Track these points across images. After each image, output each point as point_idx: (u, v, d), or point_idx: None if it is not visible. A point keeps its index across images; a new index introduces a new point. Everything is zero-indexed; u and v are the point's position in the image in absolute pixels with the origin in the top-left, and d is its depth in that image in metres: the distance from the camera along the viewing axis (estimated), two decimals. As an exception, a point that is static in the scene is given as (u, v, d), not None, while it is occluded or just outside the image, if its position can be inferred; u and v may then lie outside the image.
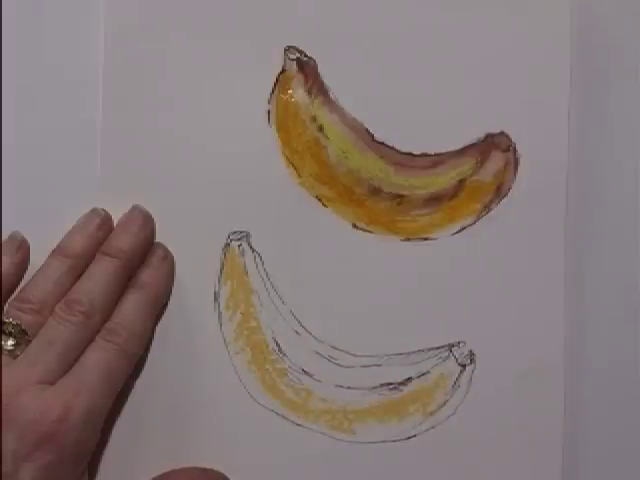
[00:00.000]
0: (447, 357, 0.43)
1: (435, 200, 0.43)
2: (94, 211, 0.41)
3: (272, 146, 0.43)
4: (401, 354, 0.43)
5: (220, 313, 0.42)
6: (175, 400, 0.42)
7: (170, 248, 0.42)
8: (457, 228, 0.43)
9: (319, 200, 0.43)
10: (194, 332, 0.42)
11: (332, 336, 0.43)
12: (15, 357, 0.38)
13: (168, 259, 0.42)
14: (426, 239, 0.43)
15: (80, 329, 0.38)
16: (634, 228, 0.44)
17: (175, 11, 0.42)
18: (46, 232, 0.41)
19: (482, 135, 0.43)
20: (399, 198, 0.43)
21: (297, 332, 0.43)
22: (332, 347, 0.43)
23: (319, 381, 0.43)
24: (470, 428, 0.43)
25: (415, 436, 0.43)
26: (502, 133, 0.43)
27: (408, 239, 0.43)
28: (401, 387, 0.43)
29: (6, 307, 0.39)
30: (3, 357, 0.38)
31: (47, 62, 0.43)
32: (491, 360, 0.43)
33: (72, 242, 0.40)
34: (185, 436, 0.42)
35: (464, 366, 0.43)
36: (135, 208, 0.42)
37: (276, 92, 0.43)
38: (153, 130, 0.42)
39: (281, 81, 0.43)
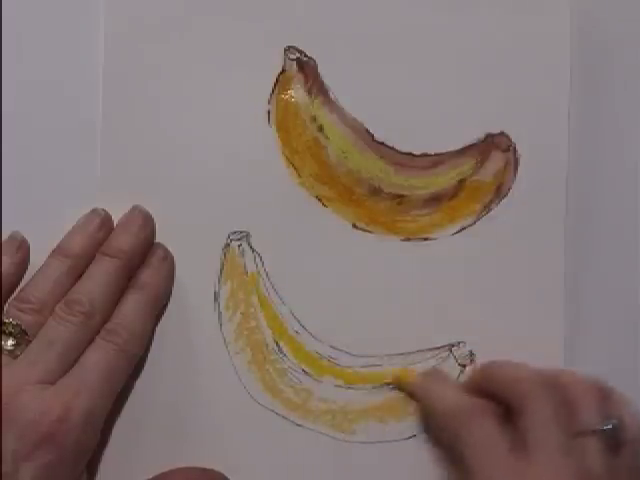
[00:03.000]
0: (447, 357, 0.43)
1: (435, 200, 0.43)
2: (94, 211, 0.41)
3: (272, 146, 0.43)
4: (401, 354, 0.43)
5: (220, 313, 0.42)
6: (175, 400, 0.42)
7: (170, 248, 0.42)
8: (457, 228, 0.43)
9: (319, 200, 0.43)
10: (194, 332, 0.42)
11: (332, 336, 0.43)
12: (15, 357, 0.38)
13: (168, 259, 0.42)
14: (426, 239, 0.43)
15: (80, 329, 0.38)
16: (634, 228, 0.44)
17: (175, 11, 0.42)
18: (46, 232, 0.41)
19: (482, 135, 0.43)
20: (399, 198, 0.43)
21: (297, 332, 0.43)
22: (332, 347, 0.43)
23: (319, 381, 0.43)
24: (470, 428, 0.43)
25: (415, 436, 0.43)
26: (502, 133, 0.43)
27: (408, 239, 0.43)
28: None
29: (6, 307, 0.39)
30: (3, 357, 0.38)
31: (47, 62, 0.43)
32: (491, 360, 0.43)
33: (72, 242, 0.40)
34: (185, 436, 0.42)
35: (464, 366, 0.43)
36: (135, 208, 0.42)
37: (276, 92, 0.43)
38: (153, 130, 0.42)
39: (281, 81, 0.43)
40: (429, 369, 0.42)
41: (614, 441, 0.37)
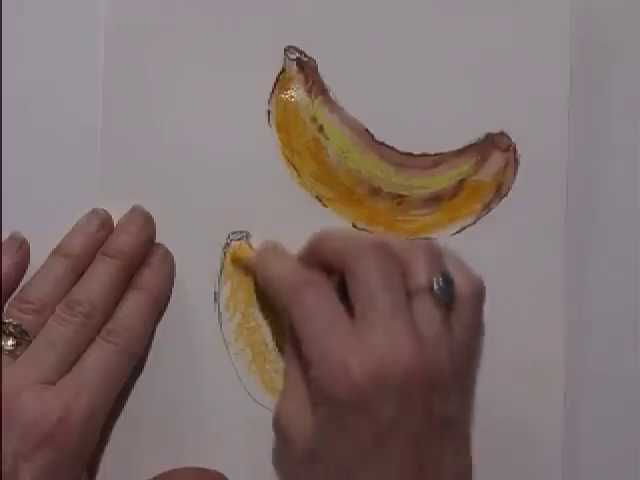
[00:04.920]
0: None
1: (435, 200, 0.43)
2: (94, 211, 0.41)
3: (272, 146, 0.43)
4: (401, 354, 0.43)
5: (220, 313, 0.42)
6: (175, 400, 0.42)
7: (170, 248, 0.42)
8: (457, 228, 0.43)
9: (319, 200, 0.43)
10: (194, 332, 0.42)
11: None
12: (15, 357, 0.38)
13: (168, 260, 0.42)
14: (426, 239, 0.43)
15: (80, 329, 0.38)
16: (634, 228, 0.44)
17: (175, 11, 0.42)
18: (46, 232, 0.41)
19: (482, 135, 0.43)
20: (399, 198, 0.43)
21: (297, 332, 0.43)
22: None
23: (319, 381, 0.43)
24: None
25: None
26: (502, 133, 0.43)
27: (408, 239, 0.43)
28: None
29: (6, 307, 0.39)
30: (3, 357, 0.38)
31: (47, 62, 0.42)
32: (491, 360, 0.43)
33: (72, 242, 0.40)
34: (185, 436, 0.42)
35: (464, 366, 0.43)
36: (135, 209, 0.42)
37: (276, 92, 0.43)
38: (153, 130, 0.42)
39: (281, 81, 0.43)
40: (266, 243, 0.42)
41: (445, 299, 0.36)
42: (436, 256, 0.37)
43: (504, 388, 0.43)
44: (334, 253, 0.38)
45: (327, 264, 0.38)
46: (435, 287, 0.36)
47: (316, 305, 0.36)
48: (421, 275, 0.36)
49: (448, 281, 0.37)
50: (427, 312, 0.36)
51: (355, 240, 0.38)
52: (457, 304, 0.37)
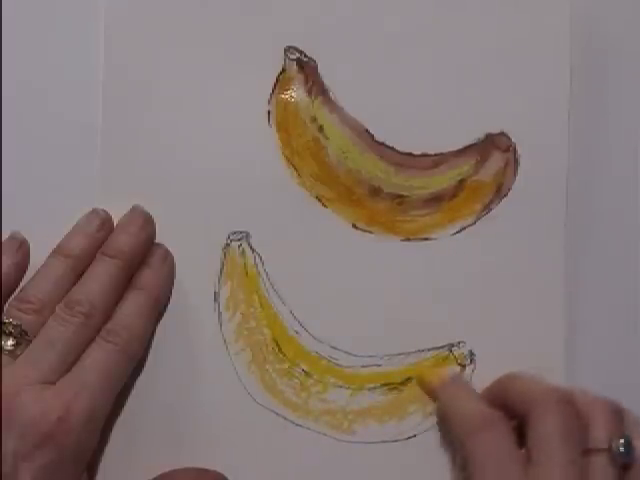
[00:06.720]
0: (447, 357, 0.43)
1: (435, 200, 0.43)
2: (94, 211, 0.41)
3: (272, 146, 0.43)
4: (401, 354, 0.43)
5: (220, 313, 0.42)
6: (175, 400, 0.42)
7: (170, 248, 0.42)
8: (457, 228, 0.43)
9: (319, 200, 0.43)
10: (194, 332, 0.42)
11: (332, 336, 0.43)
12: (15, 357, 0.38)
13: (168, 260, 0.42)
14: (426, 239, 0.43)
15: (80, 329, 0.38)
16: (634, 228, 0.44)
17: (175, 11, 0.42)
18: (46, 232, 0.41)
19: (482, 135, 0.43)
20: (399, 198, 0.43)
21: (297, 332, 0.43)
22: (332, 347, 0.43)
23: (319, 381, 0.43)
24: (470, 428, 0.43)
25: (415, 436, 0.43)
26: (502, 133, 0.43)
27: (408, 239, 0.43)
28: (401, 387, 0.43)
29: (6, 307, 0.39)
30: (3, 357, 0.38)
31: (47, 62, 0.43)
32: (491, 360, 0.43)
33: (72, 242, 0.40)
34: (185, 436, 0.42)
35: (464, 366, 0.43)
36: (135, 209, 0.42)
37: (276, 92, 0.43)
38: (153, 130, 0.42)
39: (281, 81, 0.43)
40: (452, 373, 0.42)
41: (623, 461, 0.37)
42: (618, 416, 0.38)
43: (504, 388, 0.43)
44: (520, 399, 0.39)
45: (510, 406, 0.39)
46: (614, 448, 0.37)
47: (493, 448, 0.37)
48: (601, 435, 0.37)
49: (628, 444, 0.37)
50: (602, 470, 0.37)
51: (542, 389, 0.39)
52: (636, 466, 0.37)
